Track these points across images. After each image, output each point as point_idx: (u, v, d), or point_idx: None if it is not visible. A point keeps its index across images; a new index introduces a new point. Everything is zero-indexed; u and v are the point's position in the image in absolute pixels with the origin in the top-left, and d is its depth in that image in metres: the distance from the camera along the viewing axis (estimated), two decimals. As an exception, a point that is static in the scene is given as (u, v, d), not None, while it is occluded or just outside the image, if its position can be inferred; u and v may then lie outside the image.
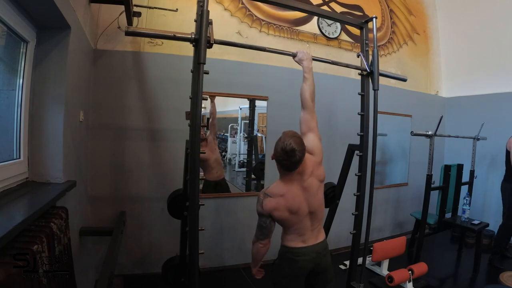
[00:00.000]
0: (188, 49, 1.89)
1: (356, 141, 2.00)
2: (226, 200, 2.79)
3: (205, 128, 2.72)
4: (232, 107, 3.01)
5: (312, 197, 1.47)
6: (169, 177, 2.48)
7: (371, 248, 2.46)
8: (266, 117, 2.95)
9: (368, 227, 1.95)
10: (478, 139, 3.30)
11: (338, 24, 3.33)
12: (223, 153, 2.99)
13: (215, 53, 2.35)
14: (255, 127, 3.00)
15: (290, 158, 1.36)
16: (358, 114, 1.97)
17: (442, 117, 2.82)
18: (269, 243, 1.50)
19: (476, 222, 2.85)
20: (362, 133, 1.94)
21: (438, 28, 4.33)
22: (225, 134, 2.99)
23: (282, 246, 1.53)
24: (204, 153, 1.48)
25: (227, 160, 3.00)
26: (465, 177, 3.20)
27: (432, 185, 2.81)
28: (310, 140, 1.54)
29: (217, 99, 2.76)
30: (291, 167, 1.41)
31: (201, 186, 2.75)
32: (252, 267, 1.59)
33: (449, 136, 3.23)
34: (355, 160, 2.02)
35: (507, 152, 3.04)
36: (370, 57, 1.94)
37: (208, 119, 2.75)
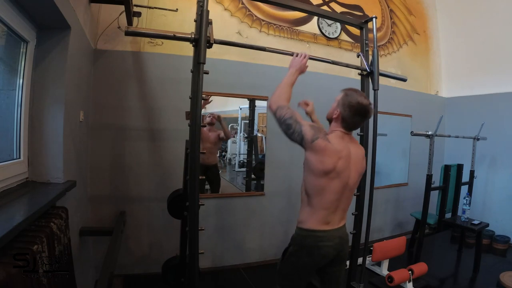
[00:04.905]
0: (188, 49, 1.89)
1: (356, 141, 2.00)
2: (226, 200, 2.79)
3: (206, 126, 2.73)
4: (232, 107, 3.01)
5: (353, 173, 1.28)
6: (169, 177, 2.48)
7: (371, 248, 2.46)
8: (266, 117, 2.95)
9: (368, 227, 1.96)
10: (478, 139, 3.29)
11: (338, 24, 3.33)
12: (223, 153, 2.99)
13: (215, 53, 2.35)
14: (255, 127, 3.01)
15: (367, 113, 1.24)
16: (358, 114, 1.97)
17: (442, 117, 2.82)
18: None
19: (476, 222, 2.85)
20: (362, 133, 1.94)
21: (438, 28, 4.33)
22: (225, 134, 2.99)
23: (301, 229, 1.26)
24: (204, 153, 1.48)
25: (227, 160, 3.00)
26: (465, 177, 3.19)
27: (432, 185, 2.81)
28: None
29: (217, 99, 2.76)
30: (356, 125, 1.30)
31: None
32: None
33: (449, 136, 3.23)
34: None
35: None
36: (370, 57, 1.94)
37: (210, 122, 2.76)
